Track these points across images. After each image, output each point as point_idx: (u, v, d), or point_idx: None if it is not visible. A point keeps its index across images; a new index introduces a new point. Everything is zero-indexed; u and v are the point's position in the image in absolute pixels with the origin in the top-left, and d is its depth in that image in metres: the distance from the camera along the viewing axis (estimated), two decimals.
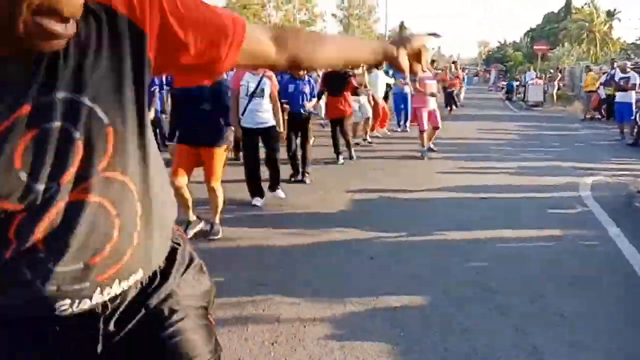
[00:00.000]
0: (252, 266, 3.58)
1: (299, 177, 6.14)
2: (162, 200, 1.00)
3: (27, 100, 0.75)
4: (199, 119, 3.78)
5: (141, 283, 0.98)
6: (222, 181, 4.14)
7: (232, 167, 6.78)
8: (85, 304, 0.89)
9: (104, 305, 0.93)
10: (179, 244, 1.11)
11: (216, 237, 4.08)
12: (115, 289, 0.92)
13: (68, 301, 0.87)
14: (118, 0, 0.80)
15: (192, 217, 4.12)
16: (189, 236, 4.03)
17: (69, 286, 0.85)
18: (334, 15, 40.98)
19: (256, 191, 5.04)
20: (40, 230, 0.80)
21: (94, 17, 0.79)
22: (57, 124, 0.78)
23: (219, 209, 4.13)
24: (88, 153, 0.81)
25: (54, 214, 0.80)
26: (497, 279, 3.33)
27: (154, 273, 1.01)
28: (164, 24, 0.85)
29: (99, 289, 0.89)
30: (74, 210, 0.82)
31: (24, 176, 0.76)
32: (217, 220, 4.14)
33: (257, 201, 5.03)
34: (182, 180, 3.94)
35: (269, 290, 3.13)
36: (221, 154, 3.96)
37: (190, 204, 4.08)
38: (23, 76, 0.74)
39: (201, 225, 4.17)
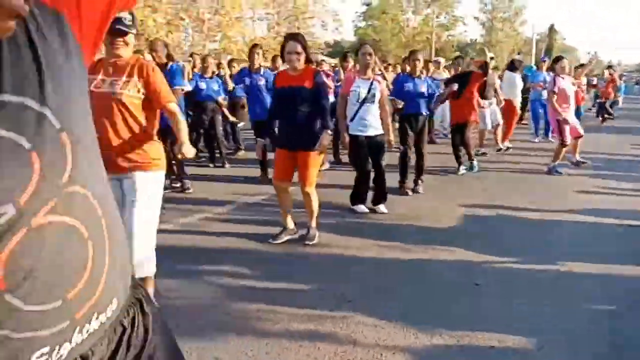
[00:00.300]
0: (341, 278, 3.36)
1: (412, 186, 5.75)
2: (117, 217, 0.86)
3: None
4: (296, 120, 3.70)
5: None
6: (322, 186, 4.00)
7: (334, 172, 6.65)
8: (65, 349, 0.75)
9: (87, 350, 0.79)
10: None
11: (311, 242, 3.95)
12: (94, 324, 0.79)
13: (46, 349, 0.72)
14: None
15: (290, 224, 4.04)
16: (280, 241, 3.97)
17: (46, 330, 0.71)
18: (476, 18, 39.13)
19: (361, 199, 4.83)
20: (1, 267, 0.65)
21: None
22: (2, 133, 0.64)
23: (315, 214, 3.99)
24: (45, 166, 0.67)
25: (14, 243, 0.66)
26: (634, 332, 2.69)
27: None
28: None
29: (77, 327, 0.76)
30: (39, 237, 0.68)
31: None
32: (313, 225, 4.01)
33: (360, 208, 4.82)
34: (284, 184, 3.89)
35: (352, 308, 2.89)
36: (316, 158, 3.82)
37: (290, 209, 4.02)
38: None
39: (293, 234, 4.06)
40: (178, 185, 5.73)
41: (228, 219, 4.71)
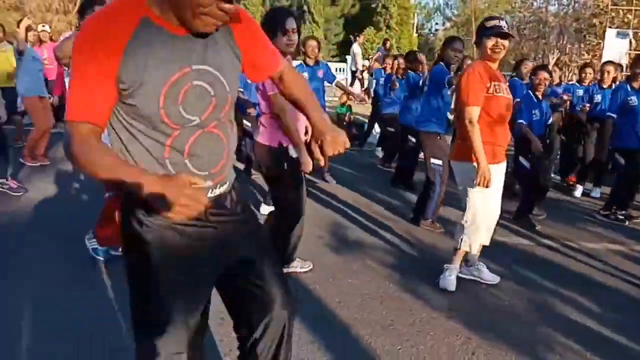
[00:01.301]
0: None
1: None
2: (235, 139, 1.48)
3: (189, 64, 1.25)
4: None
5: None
6: None
7: None
8: (211, 195, 1.39)
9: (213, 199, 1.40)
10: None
11: None
12: (217, 191, 1.41)
13: (218, 189, 1.41)
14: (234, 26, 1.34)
15: None
16: None
17: (219, 177, 1.40)
18: None
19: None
20: (187, 148, 1.30)
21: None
22: (201, 83, 1.27)
23: None
24: (217, 106, 1.32)
25: (196, 136, 1.31)
26: None
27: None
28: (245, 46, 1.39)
29: (210, 191, 1.38)
30: (206, 137, 1.33)
31: (181, 109, 1.25)
32: None
33: None
34: None
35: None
36: None
37: None
38: (189, 47, 1.25)
39: None
40: None
41: None
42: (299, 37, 3.02)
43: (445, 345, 2.57)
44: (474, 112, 2.93)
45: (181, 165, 1.30)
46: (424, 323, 2.79)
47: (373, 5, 28.88)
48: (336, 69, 15.67)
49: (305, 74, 4.91)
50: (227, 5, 1.16)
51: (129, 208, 1.33)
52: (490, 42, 2.94)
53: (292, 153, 3.05)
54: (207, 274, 1.44)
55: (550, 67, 5.54)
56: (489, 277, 3.32)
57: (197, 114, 1.28)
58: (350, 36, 15.36)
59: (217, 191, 1.40)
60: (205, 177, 1.33)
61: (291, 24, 2.86)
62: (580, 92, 6.13)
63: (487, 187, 2.91)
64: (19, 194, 4.65)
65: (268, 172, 3.18)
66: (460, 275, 3.30)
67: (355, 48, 13.56)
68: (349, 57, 15.11)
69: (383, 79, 7.17)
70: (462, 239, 3.11)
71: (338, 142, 1.37)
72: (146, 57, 1.18)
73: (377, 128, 8.06)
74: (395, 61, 6.66)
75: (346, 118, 9.15)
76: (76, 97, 1.19)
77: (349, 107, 9.28)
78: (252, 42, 1.40)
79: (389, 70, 7.10)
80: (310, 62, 5.32)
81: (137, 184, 1.13)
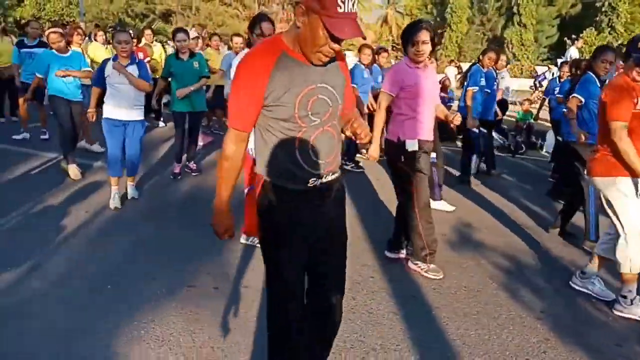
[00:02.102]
0: None
1: None
2: (340, 137, 1.94)
3: (314, 83, 1.76)
4: None
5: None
6: None
7: None
8: (318, 182, 1.85)
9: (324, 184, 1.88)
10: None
11: None
12: (329, 178, 1.88)
13: (318, 180, 1.84)
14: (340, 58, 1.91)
15: None
16: None
17: (320, 171, 1.84)
18: None
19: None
20: (311, 141, 1.80)
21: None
22: (323, 97, 1.79)
23: None
24: (332, 113, 1.83)
25: (317, 134, 1.81)
26: None
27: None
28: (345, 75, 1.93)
29: (325, 177, 1.86)
30: (324, 134, 1.83)
31: (309, 114, 1.76)
32: None
33: None
34: None
35: None
36: None
37: None
38: (313, 72, 1.75)
39: None
40: None
41: None
42: (435, 47, 3.39)
43: (518, 338, 2.71)
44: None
45: (306, 152, 1.79)
46: (508, 319, 2.93)
47: (598, 4, 25.75)
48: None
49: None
50: (336, 45, 1.67)
51: (262, 199, 1.86)
52: None
53: (410, 147, 3.44)
54: (308, 245, 1.90)
55: None
56: (603, 293, 3.20)
57: (319, 117, 1.79)
58: (566, 39, 14.17)
59: (330, 178, 1.87)
60: (322, 164, 1.82)
61: (421, 36, 3.27)
62: None
63: None
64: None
65: (390, 163, 3.64)
66: (571, 284, 3.28)
67: (573, 52, 12.59)
68: (559, 60, 14.04)
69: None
70: (621, 258, 2.97)
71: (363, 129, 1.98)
72: (285, 78, 1.70)
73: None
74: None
75: (524, 125, 8.83)
76: (231, 110, 1.79)
77: (530, 113, 8.90)
78: (347, 72, 1.96)
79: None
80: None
81: (217, 198, 1.87)
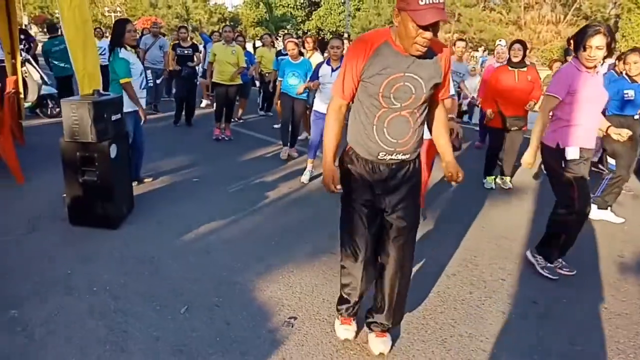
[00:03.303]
0: None
1: None
2: (422, 127, 2.24)
3: (401, 71, 2.05)
4: None
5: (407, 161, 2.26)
6: None
7: None
8: (387, 158, 2.19)
9: (396, 162, 2.22)
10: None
11: None
12: (400, 157, 2.20)
13: (387, 156, 2.18)
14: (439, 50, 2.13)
15: None
16: None
17: (390, 148, 2.16)
18: None
19: None
20: (386, 121, 2.12)
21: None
22: (408, 84, 2.07)
23: None
24: (414, 99, 2.09)
25: (394, 116, 2.12)
26: None
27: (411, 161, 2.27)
28: (445, 69, 2.17)
29: (395, 155, 2.18)
30: (400, 118, 2.12)
31: (392, 98, 2.08)
32: None
33: None
34: None
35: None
36: None
37: None
38: (404, 61, 2.05)
39: None
40: None
41: None
42: (610, 52, 3.07)
43: None
44: None
45: (380, 130, 2.13)
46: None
47: None
48: None
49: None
50: (427, 34, 1.92)
51: (344, 158, 2.34)
52: None
53: (570, 155, 3.21)
54: (374, 201, 2.29)
55: None
56: None
57: (400, 102, 2.09)
58: None
59: (400, 157, 2.19)
60: (394, 144, 2.14)
61: (595, 42, 3.03)
62: None
63: None
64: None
65: (547, 168, 3.44)
66: None
67: None
68: None
69: None
70: None
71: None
72: (380, 63, 2.06)
73: None
74: None
75: None
76: (337, 82, 2.21)
77: None
78: (447, 69, 2.18)
79: None
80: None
81: (325, 158, 2.27)
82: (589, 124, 3.20)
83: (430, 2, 1.86)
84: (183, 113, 8.44)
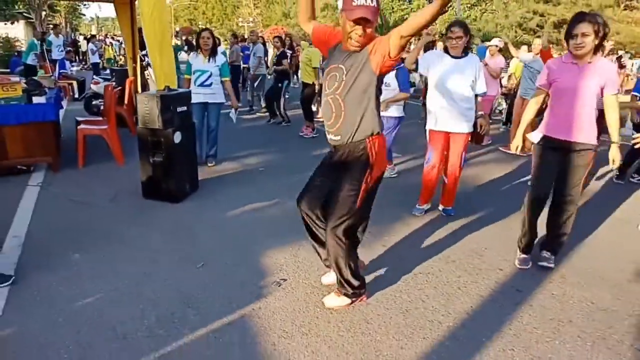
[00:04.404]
0: None
1: None
2: (353, 114, 2.54)
3: (339, 63, 2.53)
4: None
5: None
6: None
7: None
8: (333, 137, 2.63)
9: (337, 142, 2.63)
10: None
11: None
12: (335, 138, 2.61)
13: (333, 136, 2.62)
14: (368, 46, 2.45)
15: None
16: None
17: (333, 129, 2.59)
18: None
19: None
20: (326, 105, 2.60)
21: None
22: (337, 74, 2.53)
23: None
24: (345, 85, 2.50)
25: (328, 98, 2.58)
26: None
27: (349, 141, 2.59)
28: (373, 54, 2.43)
29: (334, 135, 2.60)
30: (333, 100, 2.55)
31: (327, 84, 2.59)
32: None
33: None
34: None
35: None
36: None
37: None
38: (340, 55, 2.55)
39: None
40: None
41: None
42: (602, 40, 3.05)
43: None
44: None
45: (327, 106, 2.58)
46: None
47: None
48: None
49: None
50: (356, 27, 2.33)
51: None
52: None
53: (531, 138, 3.51)
54: (328, 173, 2.75)
55: None
56: None
57: (332, 88, 2.55)
58: None
59: (335, 139, 2.60)
60: (330, 123, 2.59)
61: (578, 29, 3.06)
62: None
63: None
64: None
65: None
66: None
67: None
68: None
69: None
70: None
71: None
72: (332, 57, 2.61)
73: None
74: None
75: None
76: None
77: None
78: (375, 48, 2.41)
79: None
80: None
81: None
82: (563, 114, 3.24)
83: (361, 3, 2.25)
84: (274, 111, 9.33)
